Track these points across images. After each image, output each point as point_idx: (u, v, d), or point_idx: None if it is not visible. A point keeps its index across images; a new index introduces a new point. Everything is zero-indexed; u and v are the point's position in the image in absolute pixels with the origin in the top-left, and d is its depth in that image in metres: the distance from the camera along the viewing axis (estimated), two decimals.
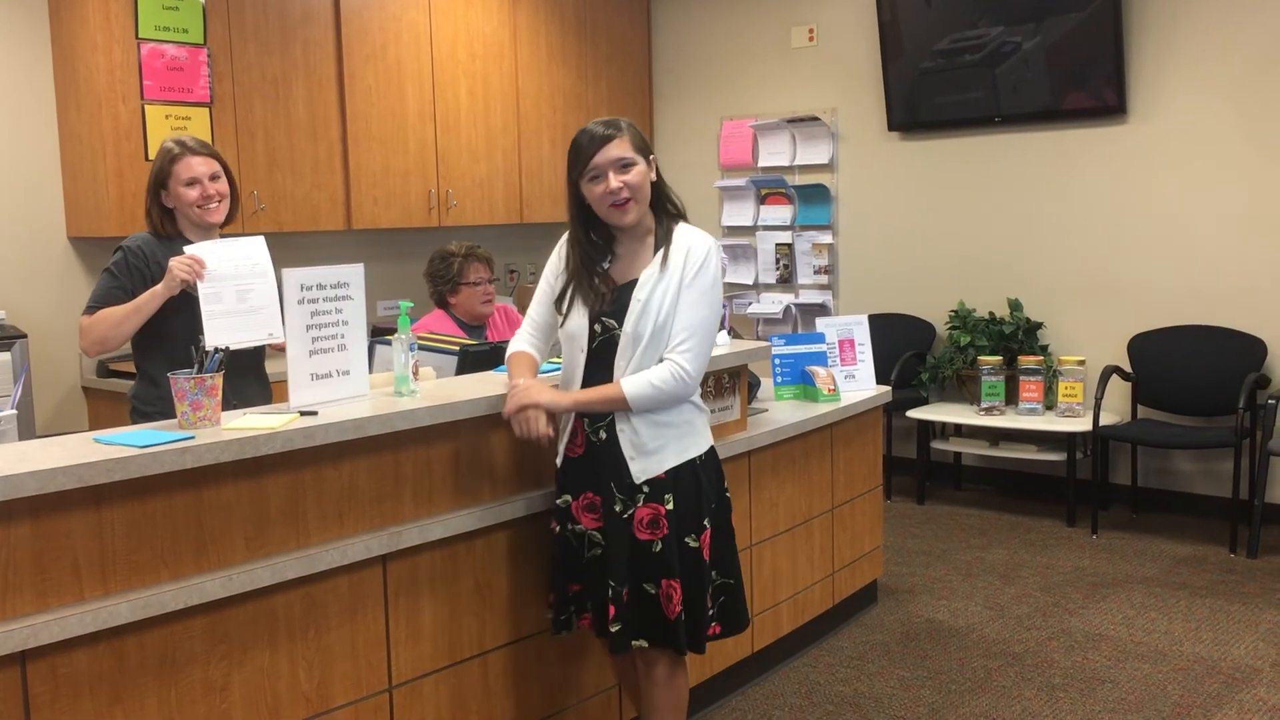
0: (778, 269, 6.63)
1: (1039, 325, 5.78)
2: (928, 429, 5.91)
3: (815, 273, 6.53)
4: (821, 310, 6.42)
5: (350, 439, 2.41)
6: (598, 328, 2.59)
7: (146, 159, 4.58)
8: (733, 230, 6.75)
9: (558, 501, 2.69)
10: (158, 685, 2.16)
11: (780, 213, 6.60)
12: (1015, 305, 5.80)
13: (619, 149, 2.54)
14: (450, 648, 2.68)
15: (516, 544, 2.81)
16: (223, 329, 2.90)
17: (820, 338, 4.21)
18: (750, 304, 6.70)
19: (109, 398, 4.67)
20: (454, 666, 2.69)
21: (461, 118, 5.88)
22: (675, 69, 6.98)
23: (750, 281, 6.72)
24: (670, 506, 2.56)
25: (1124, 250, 5.56)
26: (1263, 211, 5.18)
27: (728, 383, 3.37)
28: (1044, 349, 5.73)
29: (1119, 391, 5.45)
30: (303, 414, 2.43)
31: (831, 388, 4.01)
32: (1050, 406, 5.53)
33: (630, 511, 2.57)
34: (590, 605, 2.67)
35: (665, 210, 2.65)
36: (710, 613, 2.66)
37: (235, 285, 2.96)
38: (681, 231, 2.63)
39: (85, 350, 3.07)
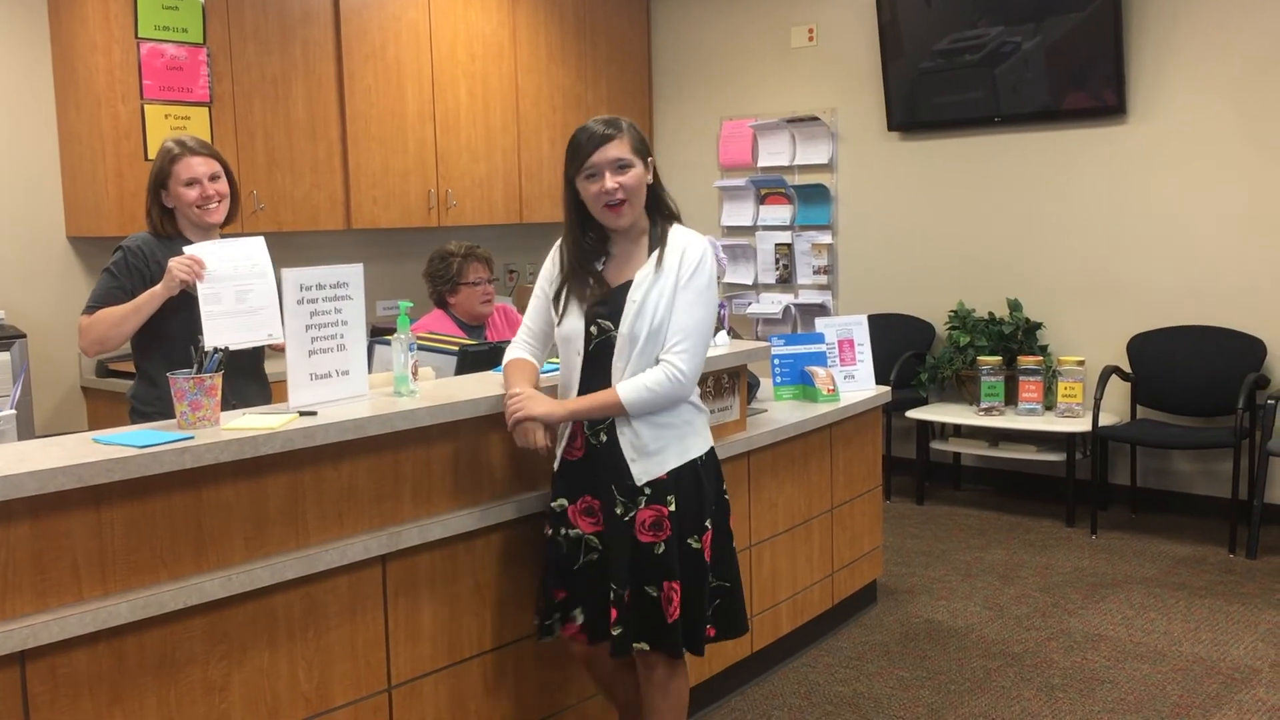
0: (777, 269, 6.63)
1: (1038, 325, 5.78)
2: (927, 429, 5.91)
3: (815, 273, 6.53)
4: (821, 310, 6.42)
5: (350, 439, 2.41)
6: (594, 330, 2.59)
7: (146, 159, 4.57)
8: (732, 230, 6.75)
9: (552, 505, 2.68)
10: (157, 685, 2.16)
11: (780, 213, 6.60)
12: (1015, 305, 5.80)
13: (617, 149, 2.54)
14: (450, 648, 2.68)
15: (516, 544, 2.80)
16: (222, 329, 2.90)
17: (820, 338, 4.21)
18: (750, 304, 6.70)
19: (108, 398, 4.67)
20: (453, 666, 2.69)
21: (461, 118, 5.87)
22: (675, 69, 6.98)
23: (750, 282, 6.72)
24: (673, 508, 2.56)
25: (1124, 250, 5.56)
26: (1262, 211, 5.18)
27: (727, 383, 3.37)
28: (1043, 349, 5.73)
29: (1118, 392, 5.45)
30: (302, 414, 2.43)
31: (831, 388, 4.01)
32: (1050, 407, 5.53)
33: (632, 514, 2.56)
34: (582, 612, 2.64)
35: (660, 212, 2.65)
36: (706, 615, 2.65)
37: (235, 286, 2.96)
38: (676, 233, 2.62)
39: (84, 350, 3.07)
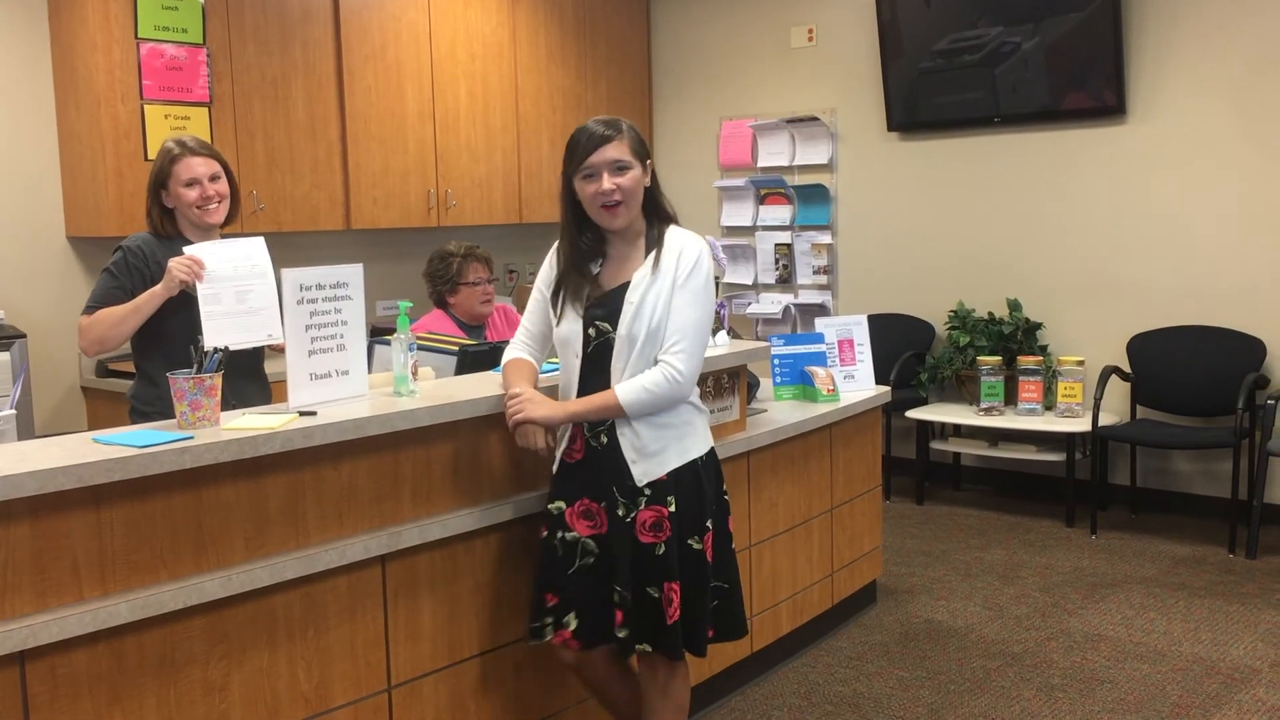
0: (777, 269, 6.63)
1: (1038, 325, 5.78)
2: (927, 429, 5.91)
3: (814, 273, 6.53)
4: (821, 310, 6.42)
5: (349, 439, 2.41)
6: (592, 332, 2.59)
7: (146, 159, 4.58)
8: (732, 230, 6.75)
9: (549, 507, 2.67)
10: (157, 685, 2.16)
11: (779, 213, 6.60)
12: (1014, 305, 5.80)
13: (616, 151, 2.54)
14: (449, 648, 2.68)
15: (516, 544, 2.80)
16: (222, 330, 2.90)
17: (819, 338, 4.21)
18: (749, 304, 6.70)
19: (108, 398, 4.67)
20: (453, 667, 2.69)
21: (461, 118, 5.88)
22: (674, 69, 6.98)
23: (749, 282, 6.72)
24: (673, 508, 2.56)
25: (1123, 250, 5.56)
26: (1262, 212, 5.18)
27: (727, 383, 3.37)
28: (1043, 349, 5.73)
29: (1118, 392, 5.45)
30: (302, 414, 2.43)
31: (831, 388, 4.01)
32: (1049, 407, 5.53)
33: (633, 515, 2.56)
34: (576, 617, 2.60)
35: (657, 215, 2.65)
36: (708, 616, 2.65)
37: (234, 286, 2.96)
38: (673, 234, 2.62)
39: (84, 350, 3.07)
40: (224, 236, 3.16)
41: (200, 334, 2.83)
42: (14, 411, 2.71)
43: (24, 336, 4.39)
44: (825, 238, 6.47)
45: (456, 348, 3.38)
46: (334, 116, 5.33)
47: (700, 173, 6.84)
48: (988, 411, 5.57)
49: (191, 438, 2.21)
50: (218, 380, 2.34)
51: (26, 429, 3.81)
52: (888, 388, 4.40)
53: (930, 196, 6.13)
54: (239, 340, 2.91)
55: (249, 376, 3.17)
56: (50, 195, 4.82)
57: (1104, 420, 5.31)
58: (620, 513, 2.56)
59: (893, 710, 3.49)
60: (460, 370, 3.30)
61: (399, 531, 2.52)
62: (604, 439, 2.59)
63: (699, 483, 2.60)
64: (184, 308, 2.96)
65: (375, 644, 2.53)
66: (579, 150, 2.55)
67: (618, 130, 2.56)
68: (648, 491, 2.56)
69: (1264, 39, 5.12)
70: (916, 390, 5.98)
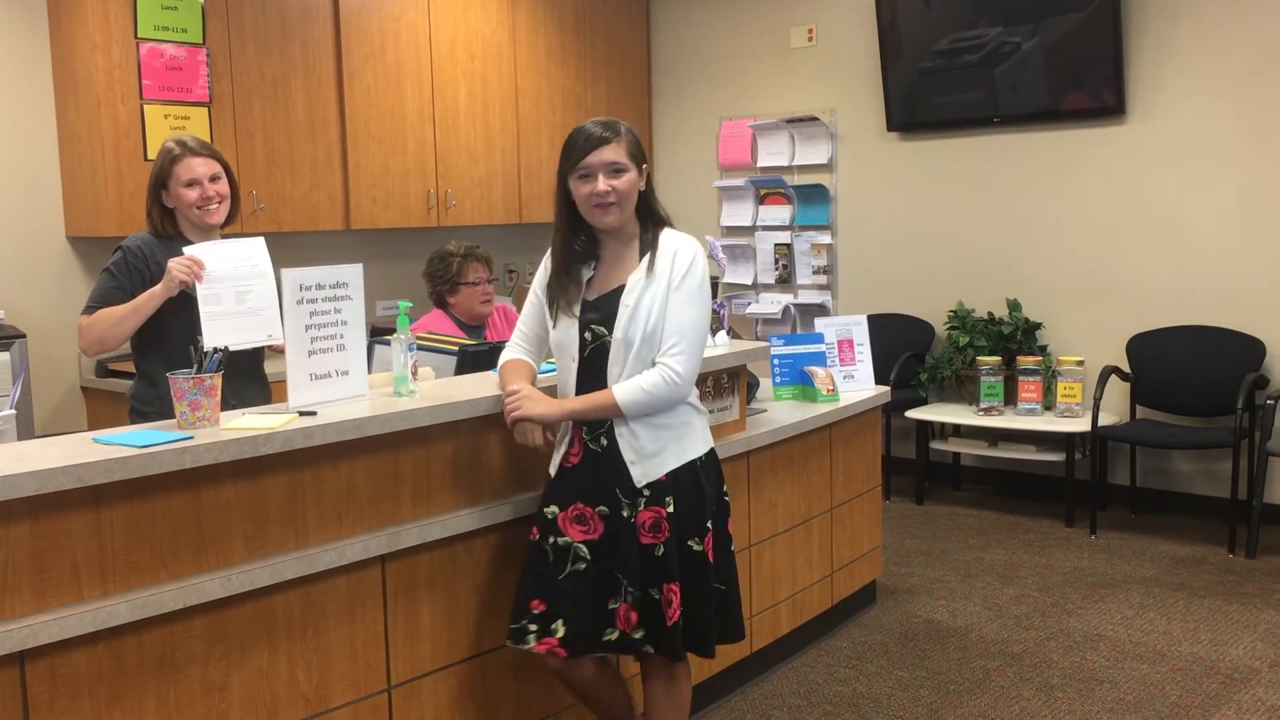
0: (777, 269, 6.63)
1: (1038, 325, 5.78)
2: (926, 429, 5.91)
3: (814, 273, 6.53)
4: (820, 310, 6.43)
5: (349, 439, 2.42)
6: (588, 335, 2.59)
7: (146, 159, 4.58)
8: (732, 230, 6.76)
9: (544, 510, 2.64)
10: (156, 685, 2.16)
11: (779, 213, 6.60)
12: (1014, 305, 5.81)
13: (613, 153, 2.53)
14: (449, 648, 2.68)
15: (515, 544, 2.80)
16: (221, 330, 2.89)
17: (819, 338, 4.21)
18: (749, 304, 6.70)
19: (108, 398, 4.67)
20: (453, 667, 2.69)
21: (460, 118, 5.88)
22: (674, 69, 6.98)
23: (749, 282, 6.72)
24: (671, 509, 2.55)
25: (1123, 250, 5.57)
26: (1262, 212, 5.18)
27: (726, 383, 3.38)
28: (1043, 349, 5.73)
29: (1118, 392, 5.46)
30: (302, 414, 2.43)
31: (830, 388, 4.02)
32: (1049, 407, 5.54)
33: (634, 516, 2.56)
34: (564, 624, 2.54)
35: (651, 218, 2.64)
36: (712, 617, 2.64)
37: (234, 286, 2.96)
38: (667, 236, 2.62)
39: (84, 350, 3.07)
40: (224, 237, 3.16)
41: (200, 334, 2.83)
42: (14, 411, 2.71)
43: (24, 336, 4.39)
44: (825, 238, 6.47)
45: (456, 348, 3.38)
46: (334, 116, 5.33)
47: (700, 173, 6.84)
48: (987, 411, 5.57)
49: (191, 438, 2.21)
50: (217, 380, 2.34)
51: (26, 429, 3.81)
52: (887, 388, 4.40)
53: (930, 196, 6.13)
54: (239, 340, 2.91)
55: (249, 377, 3.17)
56: (50, 195, 4.82)
57: (1104, 420, 5.31)
58: (625, 513, 2.56)
59: (892, 710, 3.49)
60: (460, 370, 3.30)
61: (398, 531, 2.53)
62: (603, 441, 2.58)
63: (698, 483, 2.60)
64: (184, 308, 2.96)
65: (375, 644, 2.53)
66: (576, 150, 2.55)
67: (616, 133, 2.55)
68: (646, 492, 2.56)
69: (1264, 39, 5.12)
70: (916, 390, 5.98)
